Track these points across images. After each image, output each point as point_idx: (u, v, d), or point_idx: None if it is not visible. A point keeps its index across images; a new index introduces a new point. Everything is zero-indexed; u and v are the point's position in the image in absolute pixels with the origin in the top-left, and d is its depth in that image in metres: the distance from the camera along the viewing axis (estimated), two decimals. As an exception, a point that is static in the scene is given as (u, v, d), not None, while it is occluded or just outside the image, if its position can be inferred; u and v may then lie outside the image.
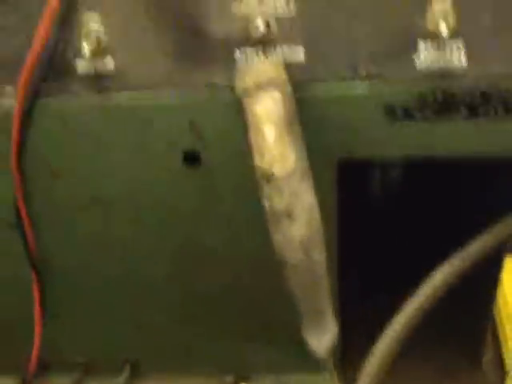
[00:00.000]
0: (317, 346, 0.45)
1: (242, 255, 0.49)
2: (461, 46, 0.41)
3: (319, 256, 0.38)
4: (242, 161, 0.41)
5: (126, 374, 0.58)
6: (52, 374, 0.58)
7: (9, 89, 0.43)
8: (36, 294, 0.51)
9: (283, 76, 0.39)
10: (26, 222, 0.47)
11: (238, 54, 0.41)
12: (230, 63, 0.41)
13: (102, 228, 0.49)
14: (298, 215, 0.37)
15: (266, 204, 0.37)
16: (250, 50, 0.41)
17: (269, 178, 0.37)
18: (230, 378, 0.58)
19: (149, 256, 0.50)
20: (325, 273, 0.40)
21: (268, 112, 0.37)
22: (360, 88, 0.41)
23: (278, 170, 0.36)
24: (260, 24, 0.40)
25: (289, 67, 0.40)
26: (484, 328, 0.61)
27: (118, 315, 0.54)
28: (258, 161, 0.37)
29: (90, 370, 0.58)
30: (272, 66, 0.39)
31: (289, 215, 0.36)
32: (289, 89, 0.38)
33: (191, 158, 0.44)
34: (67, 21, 0.42)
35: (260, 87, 0.38)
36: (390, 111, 0.42)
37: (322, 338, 0.45)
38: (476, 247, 0.47)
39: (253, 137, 0.37)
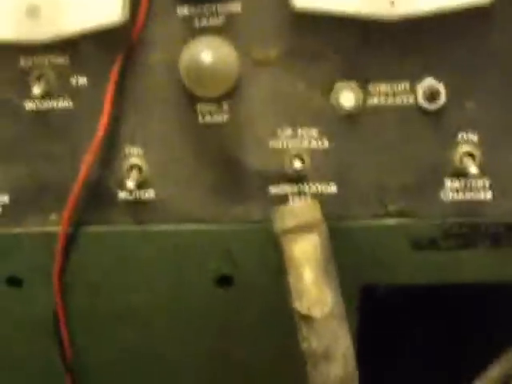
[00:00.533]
0: None
1: (269, 367, 0.51)
2: (487, 183, 0.43)
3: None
4: (274, 284, 0.43)
5: None
6: None
7: (53, 216, 0.46)
8: None
9: (320, 217, 0.40)
10: (63, 328, 0.49)
11: (272, 189, 0.44)
12: (266, 197, 0.44)
13: (135, 336, 0.51)
14: (336, 356, 0.38)
15: (304, 345, 0.38)
16: (284, 186, 0.43)
17: (306, 320, 0.38)
18: None
19: (177, 364, 0.52)
20: None
21: (306, 254, 0.39)
22: (388, 222, 0.43)
23: (315, 312, 0.38)
24: (294, 159, 0.43)
25: (321, 200, 0.42)
26: None
27: None
28: (295, 303, 0.38)
29: None
30: (310, 207, 0.40)
31: (326, 356, 0.38)
32: (325, 229, 0.40)
33: (224, 281, 0.46)
34: (111, 151, 0.45)
35: (299, 229, 0.39)
36: (416, 242, 0.44)
37: None
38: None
39: (291, 278, 0.39)
